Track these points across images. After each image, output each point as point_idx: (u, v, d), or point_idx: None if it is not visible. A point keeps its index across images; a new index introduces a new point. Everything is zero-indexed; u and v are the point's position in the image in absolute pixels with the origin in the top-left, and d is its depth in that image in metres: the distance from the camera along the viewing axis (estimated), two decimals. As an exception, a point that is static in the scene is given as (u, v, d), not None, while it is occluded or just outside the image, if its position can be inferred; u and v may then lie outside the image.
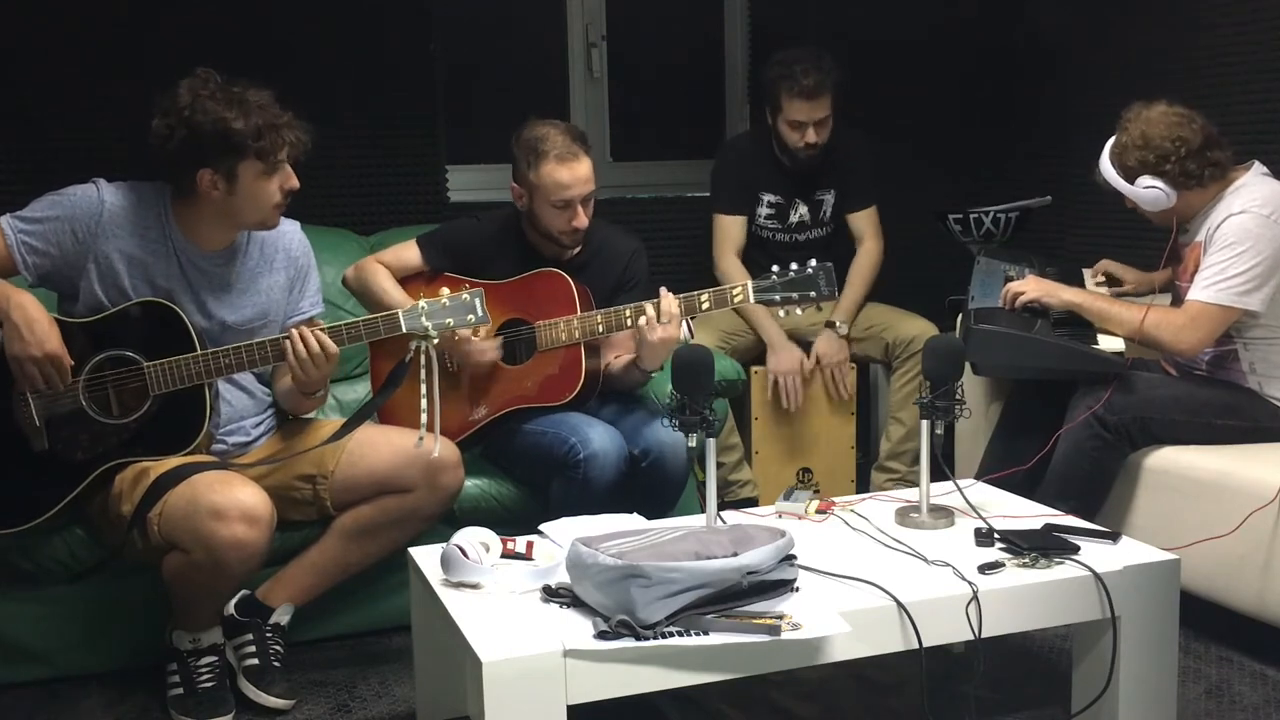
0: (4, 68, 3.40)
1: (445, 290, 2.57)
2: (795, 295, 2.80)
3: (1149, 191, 2.98)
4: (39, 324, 2.48)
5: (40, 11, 3.42)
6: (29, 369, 2.50)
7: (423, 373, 2.51)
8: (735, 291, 2.83)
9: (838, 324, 3.78)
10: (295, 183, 2.62)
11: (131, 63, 3.42)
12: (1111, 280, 3.42)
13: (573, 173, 2.92)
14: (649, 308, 2.83)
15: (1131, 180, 3.00)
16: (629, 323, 2.87)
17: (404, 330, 2.55)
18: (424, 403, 2.50)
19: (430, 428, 2.54)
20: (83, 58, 3.46)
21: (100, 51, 3.46)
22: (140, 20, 3.49)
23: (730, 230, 3.86)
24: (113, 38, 3.47)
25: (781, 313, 2.83)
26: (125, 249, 2.60)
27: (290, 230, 2.80)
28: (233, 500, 2.44)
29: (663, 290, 2.84)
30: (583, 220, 2.97)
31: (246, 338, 2.67)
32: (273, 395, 2.87)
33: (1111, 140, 3.05)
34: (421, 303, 2.56)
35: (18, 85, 3.42)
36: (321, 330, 2.58)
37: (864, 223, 3.93)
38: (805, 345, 3.83)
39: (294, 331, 2.56)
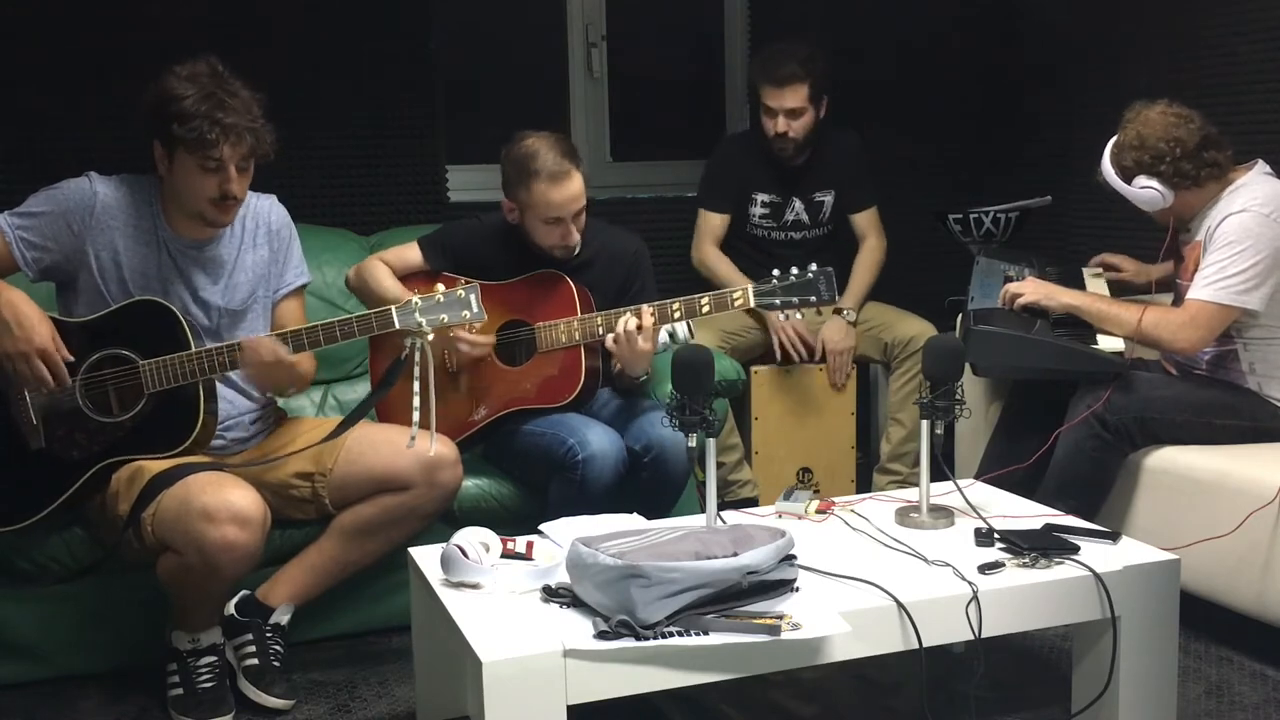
0: (2, 67, 3.40)
1: (440, 286, 2.56)
2: (795, 299, 2.80)
3: (1145, 191, 2.99)
4: (28, 319, 2.49)
5: (39, 11, 3.42)
6: (20, 366, 2.50)
7: (416, 369, 2.50)
8: (736, 295, 2.83)
9: (845, 311, 3.79)
10: (233, 187, 2.57)
11: (130, 63, 3.41)
12: (1109, 268, 3.42)
13: (563, 192, 2.91)
14: (618, 325, 2.82)
15: (1128, 180, 3.01)
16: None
17: (397, 326, 2.54)
18: (417, 400, 2.49)
19: (424, 426, 2.52)
20: (82, 57, 3.46)
21: (99, 51, 3.46)
22: (140, 20, 3.48)
23: (711, 225, 3.91)
24: (112, 37, 3.47)
25: (782, 316, 2.83)
26: (119, 240, 2.61)
27: (268, 205, 2.81)
28: (224, 502, 2.43)
29: (643, 308, 2.84)
30: (574, 236, 2.97)
31: (244, 319, 2.68)
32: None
33: (1112, 140, 3.06)
34: (415, 298, 2.54)
35: (16, 84, 3.42)
36: (311, 329, 2.57)
37: (866, 222, 3.95)
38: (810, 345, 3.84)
39: (243, 341, 2.55)
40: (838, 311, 3.79)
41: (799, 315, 2.85)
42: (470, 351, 2.97)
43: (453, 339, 2.93)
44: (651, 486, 2.87)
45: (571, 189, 2.93)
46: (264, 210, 2.79)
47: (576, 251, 3.03)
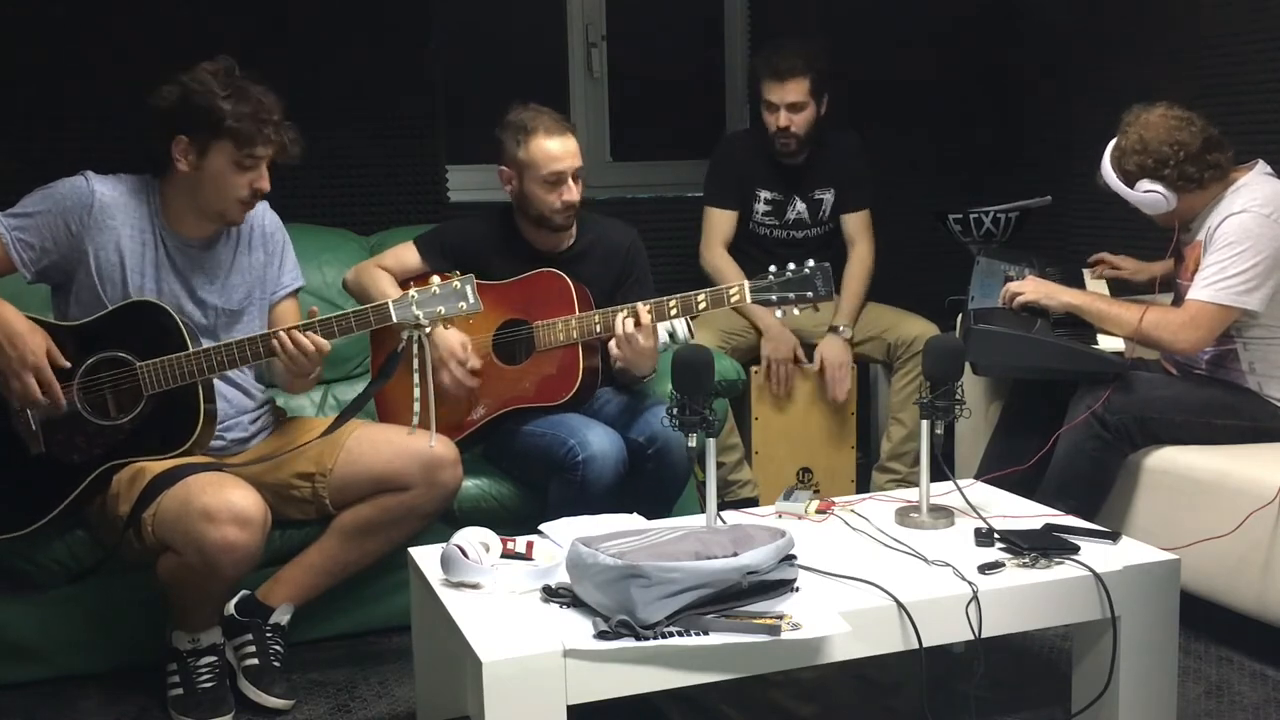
0: (2, 67, 3.40)
1: (436, 279, 2.57)
2: (792, 295, 2.79)
3: (1148, 195, 2.99)
4: (20, 337, 2.48)
5: (39, 11, 3.42)
6: (14, 383, 2.50)
7: (415, 362, 2.50)
8: (733, 292, 2.82)
9: (841, 328, 3.78)
10: (266, 184, 2.62)
11: (130, 62, 3.42)
12: (1108, 266, 3.43)
13: (563, 145, 2.97)
14: (617, 328, 2.82)
15: (1131, 184, 3.01)
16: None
17: (394, 320, 2.54)
18: (416, 392, 2.49)
19: (424, 419, 2.53)
20: (82, 57, 3.46)
21: (99, 51, 3.46)
22: (140, 21, 3.48)
23: (719, 223, 3.89)
24: (112, 38, 3.47)
25: (779, 313, 2.83)
26: (118, 240, 2.61)
27: (261, 209, 2.80)
28: (224, 502, 2.43)
29: (639, 306, 2.84)
30: (573, 194, 2.98)
31: (241, 319, 2.68)
32: (267, 391, 2.87)
33: (1112, 143, 3.05)
34: (412, 292, 2.55)
35: (16, 84, 3.41)
36: (309, 325, 2.57)
37: (856, 225, 3.92)
38: (809, 347, 3.83)
39: (281, 333, 2.55)
40: (834, 330, 3.79)
41: (795, 312, 2.84)
42: (457, 382, 2.93)
43: (445, 362, 2.93)
44: (655, 480, 2.87)
45: (569, 144, 2.99)
46: (257, 215, 2.79)
47: (576, 229, 3.03)
